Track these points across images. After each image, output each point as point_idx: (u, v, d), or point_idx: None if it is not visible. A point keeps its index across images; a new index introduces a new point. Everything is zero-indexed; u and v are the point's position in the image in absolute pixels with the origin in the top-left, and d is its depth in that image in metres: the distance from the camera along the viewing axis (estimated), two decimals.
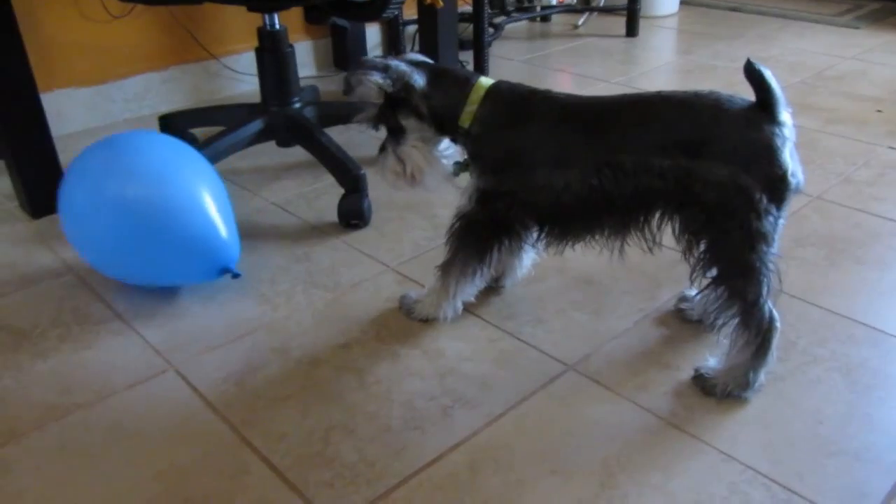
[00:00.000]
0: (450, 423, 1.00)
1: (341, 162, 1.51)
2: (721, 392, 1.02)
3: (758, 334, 0.98)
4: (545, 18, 3.18)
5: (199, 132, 1.87)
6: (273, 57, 1.64)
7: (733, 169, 0.93)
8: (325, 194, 1.64)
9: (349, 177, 1.49)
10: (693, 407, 1.02)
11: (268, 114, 1.65)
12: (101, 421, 1.02)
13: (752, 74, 0.93)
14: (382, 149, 1.14)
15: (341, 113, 1.79)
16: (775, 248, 0.98)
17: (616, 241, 1.07)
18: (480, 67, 2.40)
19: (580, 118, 1.03)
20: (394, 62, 1.07)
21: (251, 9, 1.61)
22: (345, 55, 2.51)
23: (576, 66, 2.56)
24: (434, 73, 1.08)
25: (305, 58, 2.44)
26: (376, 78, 1.04)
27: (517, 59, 2.66)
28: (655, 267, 1.32)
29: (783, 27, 3.00)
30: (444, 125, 1.10)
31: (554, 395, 1.05)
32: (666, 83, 2.37)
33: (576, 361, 1.11)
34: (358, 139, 1.92)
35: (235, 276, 1.25)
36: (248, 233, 1.50)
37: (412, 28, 2.62)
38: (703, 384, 1.04)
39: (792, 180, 0.94)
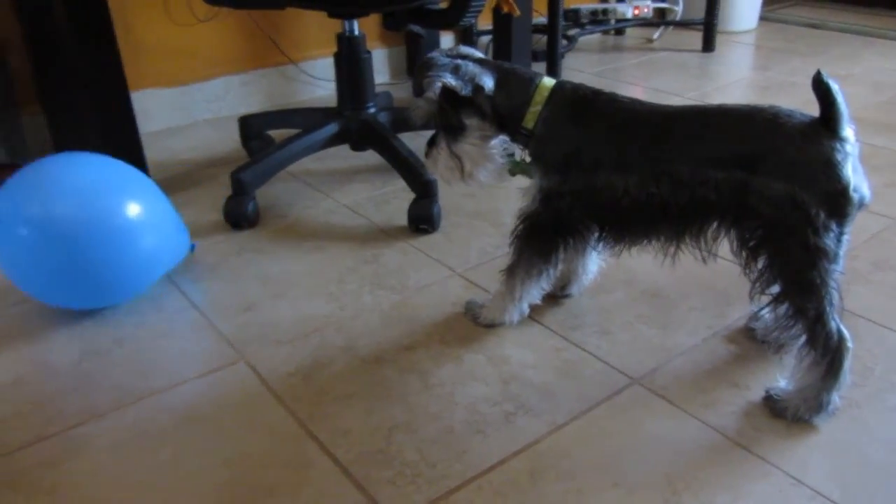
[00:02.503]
0: (512, 428, 1.00)
1: (413, 167, 1.53)
2: (792, 415, 1.00)
3: (825, 353, 0.95)
4: (619, 31, 3.16)
5: (275, 134, 1.92)
6: (350, 62, 1.68)
7: (790, 184, 0.91)
8: (395, 198, 1.66)
9: (420, 182, 1.51)
10: (762, 428, 1.00)
11: (343, 118, 1.69)
12: (174, 406, 1.06)
13: (819, 86, 0.91)
14: (433, 143, 1.14)
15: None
16: (840, 265, 0.95)
17: (671, 248, 1.06)
18: None
19: (642, 124, 1.02)
20: (463, 62, 1.07)
21: (332, 15, 1.65)
22: (417, 63, 2.54)
23: (649, 79, 2.53)
24: (500, 73, 1.08)
25: (380, 64, 2.48)
26: (449, 80, 1.05)
27: (589, 72, 2.65)
28: (726, 283, 1.30)
29: (866, 45, 2.90)
30: (506, 124, 1.10)
31: (618, 407, 1.04)
32: (741, 98, 2.32)
33: (641, 375, 1.10)
34: None
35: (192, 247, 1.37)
36: (319, 233, 1.53)
37: (486, 38, 2.64)
38: (773, 406, 1.02)
39: (854, 195, 0.91)
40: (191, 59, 2.13)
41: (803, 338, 0.97)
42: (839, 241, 0.94)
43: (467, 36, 2.65)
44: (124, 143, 1.63)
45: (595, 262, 1.26)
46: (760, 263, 0.98)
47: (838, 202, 0.91)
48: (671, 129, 1.00)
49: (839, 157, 0.91)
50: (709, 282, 1.30)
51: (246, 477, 0.94)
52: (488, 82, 1.07)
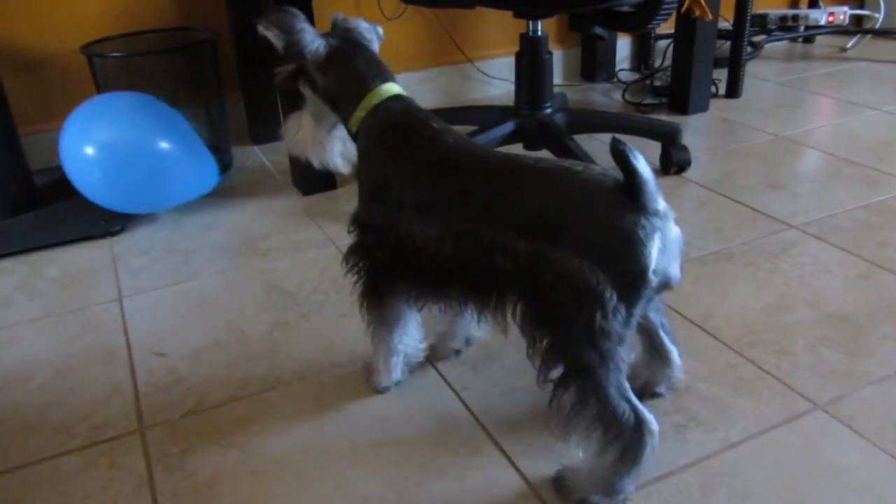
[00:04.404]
0: (682, 441, 0.98)
1: None
2: (578, 499, 0.89)
3: (615, 437, 0.83)
4: (808, 39, 2.98)
5: None
6: (532, 62, 1.70)
7: (586, 261, 0.79)
8: None
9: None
10: None
11: (520, 116, 1.71)
12: (353, 381, 1.13)
13: (616, 154, 0.78)
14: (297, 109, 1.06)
15: (590, 121, 1.81)
16: (626, 346, 0.84)
17: (476, 313, 0.94)
18: (735, 87, 2.31)
19: (457, 172, 0.90)
20: (305, 24, 0.98)
21: (518, 15, 1.68)
22: (593, 66, 2.53)
23: (841, 91, 2.37)
24: (337, 53, 0.98)
25: (555, 66, 2.48)
26: (269, 33, 0.97)
27: (774, 81, 2.52)
28: None
29: None
30: (338, 112, 1.01)
31: (798, 432, 0.99)
32: None
33: (825, 402, 1.04)
34: (605, 148, 1.93)
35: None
36: None
37: (663, 43, 2.58)
38: (559, 486, 0.91)
39: (652, 278, 0.80)
40: None
41: (587, 422, 0.84)
42: (627, 323, 0.82)
43: (645, 41, 2.60)
44: None
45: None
46: (544, 344, 0.85)
47: (633, 284, 0.80)
48: (484, 184, 0.88)
49: (641, 233, 0.78)
50: None
51: (415, 454, 0.98)
52: (312, 45, 0.97)
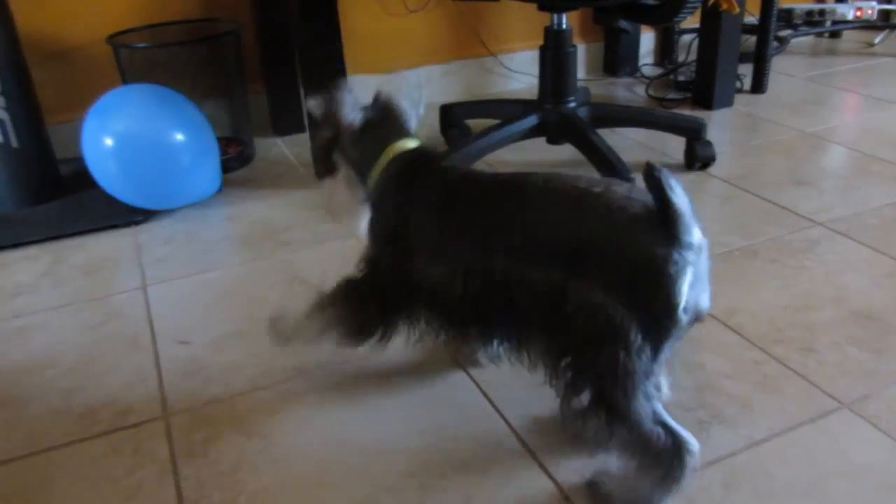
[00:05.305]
0: (706, 437, 0.97)
1: (612, 164, 1.52)
2: None
3: (654, 463, 0.80)
4: (834, 34, 2.94)
5: (473, 123, 1.97)
6: (556, 56, 1.69)
7: (608, 294, 0.75)
8: None
9: (620, 179, 1.49)
10: None
11: (543, 110, 1.71)
12: (377, 372, 1.13)
13: (650, 181, 0.73)
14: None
15: (613, 115, 1.80)
16: (656, 377, 0.81)
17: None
18: (760, 82, 2.29)
19: (460, 203, 0.89)
20: (348, 96, 1.01)
21: (542, 8, 1.67)
22: (615, 60, 2.51)
23: (867, 87, 2.34)
24: (369, 126, 1.01)
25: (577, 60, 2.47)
26: (311, 104, 1.00)
27: (799, 76, 2.49)
28: None
29: None
30: (364, 179, 1.02)
31: (824, 431, 0.98)
32: None
33: (852, 401, 1.03)
34: (627, 143, 1.92)
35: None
36: None
37: (687, 38, 2.55)
38: (595, 493, 0.88)
39: (682, 317, 0.75)
40: (398, 48, 2.24)
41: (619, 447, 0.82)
42: (655, 360, 0.78)
43: (668, 35, 2.58)
44: None
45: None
46: (568, 376, 0.82)
47: (662, 323, 0.75)
48: (486, 212, 0.86)
49: (673, 269, 0.73)
50: None
51: (439, 446, 0.98)
52: (352, 120, 0.99)
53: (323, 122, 1.02)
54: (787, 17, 2.74)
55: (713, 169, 1.78)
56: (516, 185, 0.86)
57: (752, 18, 2.40)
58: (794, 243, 1.43)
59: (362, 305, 0.99)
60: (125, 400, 1.10)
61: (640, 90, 2.40)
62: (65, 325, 1.29)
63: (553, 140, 1.80)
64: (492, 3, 2.29)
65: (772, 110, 2.17)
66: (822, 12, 2.73)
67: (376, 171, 0.98)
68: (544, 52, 1.70)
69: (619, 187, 0.80)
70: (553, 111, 1.71)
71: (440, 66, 2.32)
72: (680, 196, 0.73)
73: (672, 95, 2.30)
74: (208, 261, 1.48)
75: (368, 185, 1.00)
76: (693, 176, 1.75)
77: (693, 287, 0.76)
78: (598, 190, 0.79)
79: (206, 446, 1.01)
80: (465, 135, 1.93)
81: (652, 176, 0.72)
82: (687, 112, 2.10)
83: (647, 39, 2.59)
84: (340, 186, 1.05)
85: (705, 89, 2.18)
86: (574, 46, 1.71)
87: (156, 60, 1.79)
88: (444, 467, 0.95)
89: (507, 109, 1.83)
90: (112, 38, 1.81)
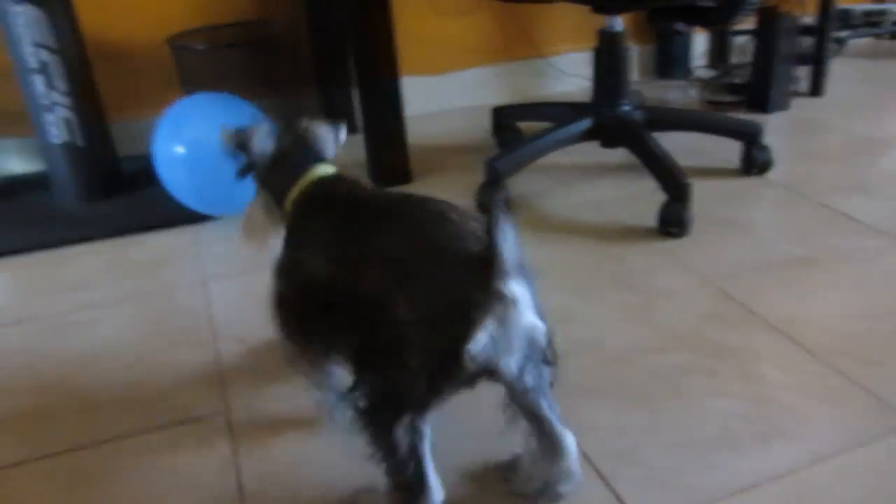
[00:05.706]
0: (767, 452, 0.96)
1: (668, 168, 1.50)
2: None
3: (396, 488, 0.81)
4: (894, 36, 2.87)
5: (525, 126, 1.96)
6: (610, 58, 1.67)
7: (416, 321, 0.74)
8: (642, 199, 1.64)
9: (675, 184, 1.48)
10: None
11: (596, 114, 1.69)
12: None
13: (486, 216, 0.70)
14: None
15: (668, 119, 1.78)
16: (427, 413, 0.79)
17: None
18: (817, 84, 2.24)
19: (336, 217, 0.91)
20: (260, 130, 1.03)
21: (596, 10, 1.66)
22: (668, 63, 2.48)
23: None
24: (280, 156, 1.02)
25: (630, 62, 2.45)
26: (224, 137, 1.03)
27: (859, 79, 2.43)
28: None
29: None
30: (281, 205, 1.02)
31: (893, 450, 0.96)
32: None
33: None
34: (682, 147, 1.90)
35: None
36: (564, 227, 1.55)
37: (741, 39, 2.51)
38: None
39: (469, 365, 0.72)
40: (450, 50, 2.24)
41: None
42: (432, 395, 0.77)
43: (722, 37, 2.54)
44: (389, 126, 1.75)
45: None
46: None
47: (445, 360, 0.73)
48: (351, 227, 0.88)
49: (474, 312, 0.71)
50: None
51: (492, 450, 0.98)
52: (260, 148, 1.02)
53: (236, 154, 1.04)
54: (845, 19, 2.68)
55: (771, 174, 1.75)
56: (389, 202, 0.88)
57: (808, 19, 2.35)
58: (856, 252, 1.40)
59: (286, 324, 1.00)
60: (187, 394, 1.13)
61: (693, 93, 2.37)
62: (127, 318, 1.33)
63: (608, 143, 1.78)
64: (543, 5, 2.28)
65: (830, 114, 2.12)
66: (881, 13, 2.67)
67: (291, 197, 1.00)
68: (599, 54, 1.69)
69: (475, 222, 0.80)
70: (608, 114, 1.69)
71: (491, 67, 2.32)
72: (508, 242, 0.70)
73: (726, 98, 2.27)
74: (268, 259, 1.50)
75: (285, 209, 1.02)
76: (750, 181, 1.72)
77: (496, 341, 0.73)
78: (453, 217, 0.80)
79: (267, 443, 1.02)
80: (517, 137, 1.92)
81: (488, 211, 0.69)
82: (741, 116, 2.06)
83: (700, 42, 2.55)
84: (257, 208, 1.08)
85: (761, 92, 2.14)
86: (628, 49, 1.69)
87: (213, 61, 1.82)
88: (498, 470, 0.95)
89: (561, 112, 1.82)
90: (171, 39, 1.85)
